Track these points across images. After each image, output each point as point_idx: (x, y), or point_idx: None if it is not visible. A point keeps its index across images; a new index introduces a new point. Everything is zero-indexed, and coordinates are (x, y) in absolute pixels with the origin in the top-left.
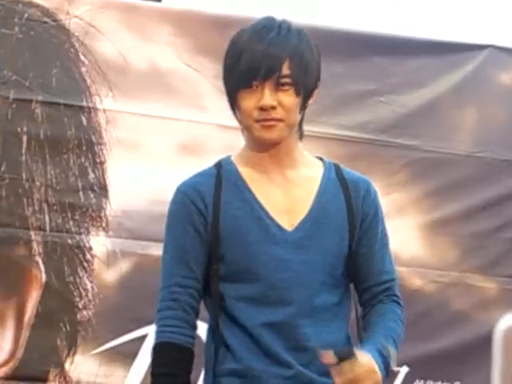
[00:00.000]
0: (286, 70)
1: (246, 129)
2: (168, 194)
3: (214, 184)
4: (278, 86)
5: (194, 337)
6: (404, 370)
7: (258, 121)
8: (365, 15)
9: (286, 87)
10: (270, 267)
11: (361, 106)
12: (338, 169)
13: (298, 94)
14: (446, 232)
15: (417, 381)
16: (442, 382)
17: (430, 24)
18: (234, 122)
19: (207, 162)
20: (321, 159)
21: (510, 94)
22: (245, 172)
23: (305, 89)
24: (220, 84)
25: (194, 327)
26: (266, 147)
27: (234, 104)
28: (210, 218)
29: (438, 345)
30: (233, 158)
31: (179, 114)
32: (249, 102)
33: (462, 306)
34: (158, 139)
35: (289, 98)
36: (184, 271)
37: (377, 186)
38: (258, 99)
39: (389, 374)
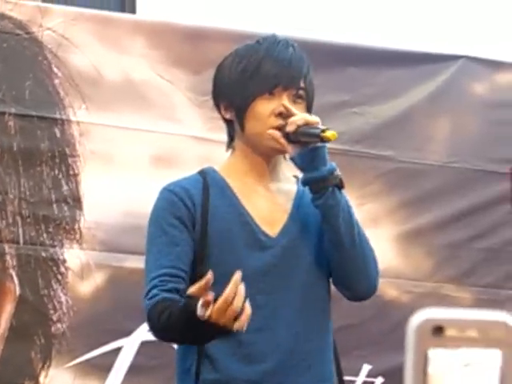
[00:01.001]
0: (302, 84)
1: (255, 135)
2: (142, 206)
3: (202, 188)
4: (295, 99)
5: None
6: (379, 380)
7: (273, 128)
8: (338, 26)
9: (300, 101)
10: (259, 272)
11: (334, 117)
12: None
13: (308, 109)
14: (420, 242)
15: None
16: None
17: (404, 35)
18: (208, 134)
19: (181, 174)
20: (295, 177)
21: (483, 105)
22: (230, 181)
23: (310, 106)
24: (193, 96)
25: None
26: (264, 157)
27: (243, 111)
28: (198, 218)
29: None
30: (217, 168)
31: (153, 125)
32: (266, 108)
33: None
34: (132, 151)
35: (301, 112)
36: (174, 262)
37: (351, 197)
38: (276, 106)
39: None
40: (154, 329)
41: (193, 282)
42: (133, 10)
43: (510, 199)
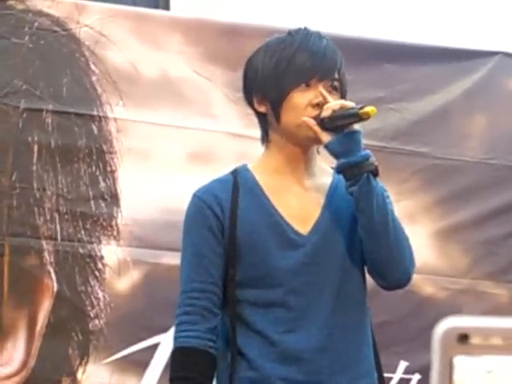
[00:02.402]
0: (337, 76)
1: (291, 127)
2: (179, 203)
3: (231, 190)
4: (331, 90)
5: (214, 341)
6: (416, 377)
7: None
8: (374, 22)
9: (334, 92)
10: (290, 272)
11: None
12: None
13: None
14: (456, 239)
15: None
16: None
17: (439, 31)
18: (245, 131)
19: (218, 171)
20: (332, 168)
21: None
22: (262, 179)
23: (344, 98)
24: (230, 92)
25: (213, 331)
26: (300, 148)
27: (279, 103)
28: (226, 223)
29: None
30: (249, 166)
31: (190, 122)
32: (303, 99)
33: (474, 313)
34: (169, 148)
35: None
36: (202, 276)
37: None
38: (313, 97)
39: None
40: (171, 372)
41: (226, 286)
42: (166, 7)
43: None
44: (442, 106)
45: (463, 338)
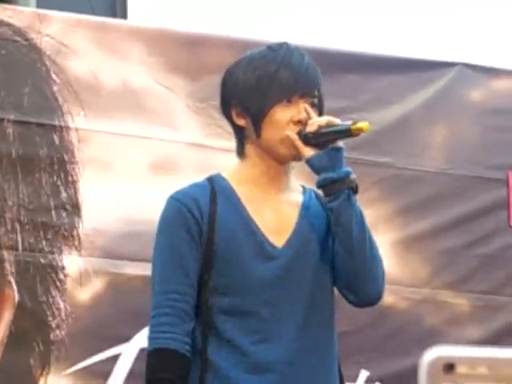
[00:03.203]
0: (316, 93)
1: (272, 142)
2: (141, 213)
3: (209, 196)
4: (310, 107)
5: (190, 344)
6: None
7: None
8: (334, 33)
9: (314, 109)
10: (265, 283)
11: None
12: (314, 192)
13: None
14: (417, 249)
15: None
16: None
17: (400, 42)
18: (206, 141)
19: (180, 181)
20: (302, 186)
21: (479, 111)
22: (238, 189)
23: (322, 114)
24: (192, 102)
25: (190, 335)
26: (278, 164)
27: (260, 118)
28: (205, 228)
29: (410, 361)
30: (224, 175)
31: (151, 132)
32: (284, 115)
33: (434, 322)
34: (131, 158)
35: None
36: (181, 277)
37: None
38: (295, 113)
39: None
40: (148, 374)
41: (199, 291)
42: (124, 15)
43: (506, 205)
44: (403, 116)
45: (449, 367)
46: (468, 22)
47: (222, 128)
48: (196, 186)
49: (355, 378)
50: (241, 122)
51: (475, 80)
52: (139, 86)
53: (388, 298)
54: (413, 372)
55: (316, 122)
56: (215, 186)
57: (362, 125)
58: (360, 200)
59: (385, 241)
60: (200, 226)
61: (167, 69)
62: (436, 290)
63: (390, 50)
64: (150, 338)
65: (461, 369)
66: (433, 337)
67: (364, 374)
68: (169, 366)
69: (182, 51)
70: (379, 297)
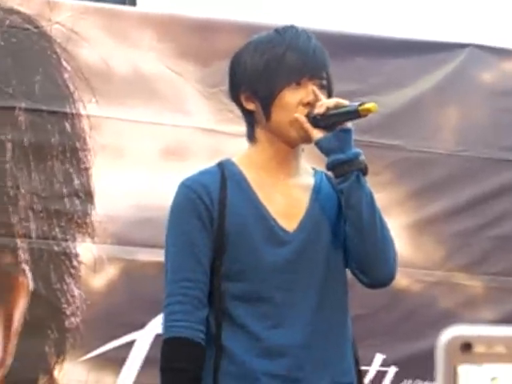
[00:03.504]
0: (325, 75)
1: (282, 125)
2: (153, 199)
3: (219, 181)
4: (319, 88)
5: (204, 332)
6: (392, 370)
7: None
8: (344, 16)
9: (323, 91)
10: (277, 268)
11: None
12: (325, 174)
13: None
14: (430, 231)
15: (405, 380)
16: (431, 381)
17: (410, 24)
18: (217, 126)
19: (192, 166)
20: (313, 169)
21: (491, 93)
22: (248, 174)
23: (331, 96)
24: (203, 88)
25: (204, 323)
26: (288, 147)
27: (270, 102)
28: (215, 214)
29: (425, 344)
30: (235, 160)
31: (163, 118)
32: (294, 97)
33: (449, 305)
34: (142, 144)
35: None
36: (194, 265)
37: None
38: (304, 96)
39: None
40: (162, 363)
41: (211, 277)
42: (133, 3)
43: None
44: (414, 99)
45: (467, 346)
46: (479, 2)
47: (232, 113)
48: (206, 172)
49: (370, 362)
50: (250, 106)
51: (486, 61)
52: (150, 72)
53: (402, 281)
54: (428, 355)
55: (324, 103)
56: (225, 172)
57: (369, 105)
58: (372, 183)
59: (398, 224)
60: (210, 213)
61: (177, 54)
62: (450, 273)
63: (400, 32)
64: (164, 327)
65: (478, 348)
66: (447, 319)
67: (379, 358)
68: (182, 354)
69: (192, 37)
70: (391, 277)
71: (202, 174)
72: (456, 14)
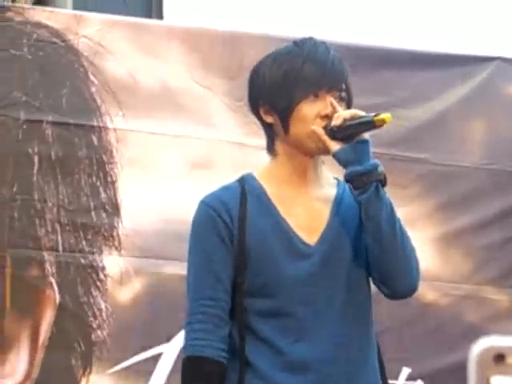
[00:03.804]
0: (344, 87)
1: (300, 137)
2: (180, 212)
3: (239, 198)
4: (338, 101)
5: (226, 350)
6: (419, 383)
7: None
8: (372, 29)
9: (341, 103)
10: (299, 282)
11: None
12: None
13: None
14: (458, 245)
15: None
16: None
17: (437, 37)
18: (244, 139)
19: (218, 179)
20: (336, 179)
21: None
22: (269, 188)
23: (351, 108)
24: (229, 101)
25: (225, 341)
26: (307, 159)
27: (288, 114)
28: (235, 231)
29: (452, 358)
30: (255, 175)
31: (189, 131)
32: (312, 110)
33: (476, 319)
34: (169, 157)
35: None
36: (213, 283)
37: None
38: (322, 108)
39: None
40: (182, 382)
41: (233, 294)
42: (160, 16)
43: None
44: (441, 112)
45: (499, 357)
46: (505, 15)
47: (259, 126)
48: (226, 188)
49: (397, 376)
50: (269, 119)
51: None
52: (177, 85)
53: (429, 295)
54: (454, 369)
55: (341, 115)
56: (246, 187)
57: (384, 116)
58: (400, 196)
59: (425, 237)
60: (230, 230)
61: (204, 67)
62: (478, 286)
63: (426, 45)
64: (184, 346)
65: (511, 359)
66: (474, 333)
67: (405, 372)
68: (202, 374)
69: (218, 50)
70: (413, 288)
71: (222, 190)
72: (483, 27)
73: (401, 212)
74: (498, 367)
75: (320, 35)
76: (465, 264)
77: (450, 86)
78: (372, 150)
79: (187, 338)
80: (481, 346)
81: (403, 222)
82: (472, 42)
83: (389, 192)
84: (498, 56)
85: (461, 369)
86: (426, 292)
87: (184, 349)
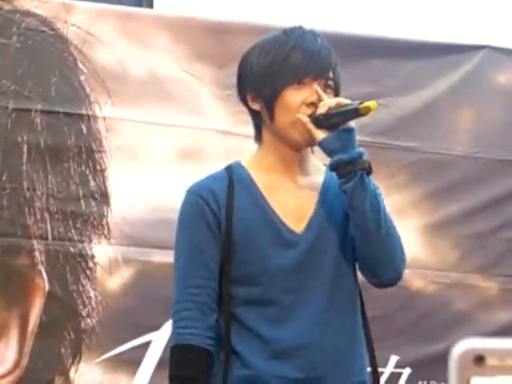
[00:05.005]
0: (331, 75)
1: (285, 125)
2: (169, 201)
3: (227, 186)
4: (325, 89)
5: (213, 338)
6: (407, 371)
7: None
8: (361, 18)
9: (329, 91)
10: (285, 270)
11: None
12: None
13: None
14: (445, 233)
15: (419, 382)
16: (445, 382)
17: (426, 26)
18: (233, 128)
19: (207, 168)
20: (325, 165)
21: (506, 94)
22: (256, 177)
23: (338, 96)
24: (218, 90)
25: (213, 328)
26: (293, 147)
27: (272, 101)
28: (223, 220)
29: (440, 345)
30: (243, 163)
31: (178, 120)
32: (296, 97)
33: (463, 307)
34: (158, 146)
35: None
36: (201, 271)
37: None
38: (307, 96)
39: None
40: (170, 370)
41: (220, 282)
42: (150, 5)
43: None
44: (430, 101)
45: (479, 359)
46: (495, 4)
47: (248, 115)
48: (213, 176)
49: (385, 363)
50: (255, 106)
51: (502, 63)
52: (165, 74)
53: (417, 283)
54: (442, 357)
55: (326, 103)
56: (233, 176)
57: (369, 103)
58: (387, 185)
59: (413, 226)
60: (218, 218)
61: (193, 57)
62: (465, 274)
63: (415, 34)
64: (173, 334)
65: (491, 360)
66: (462, 321)
67: (394, 359)
68: (190, 362)
69: (207, 39)
70: (398, 277)
71: (209, 178)
72: (472, 15)
73: (389, 201)
74: (477, 369)
75: (309, 24)
76: (452, 252)
77: (439, 75)
78: (361, 138)
79: (175, 326)
80: (461, 347)
81: (391, 210)
82: (461, 30)
83: (376, 181)
84: (487, 44)
85: (448, 356)
86: (413, 280)
87: (172, 336)
